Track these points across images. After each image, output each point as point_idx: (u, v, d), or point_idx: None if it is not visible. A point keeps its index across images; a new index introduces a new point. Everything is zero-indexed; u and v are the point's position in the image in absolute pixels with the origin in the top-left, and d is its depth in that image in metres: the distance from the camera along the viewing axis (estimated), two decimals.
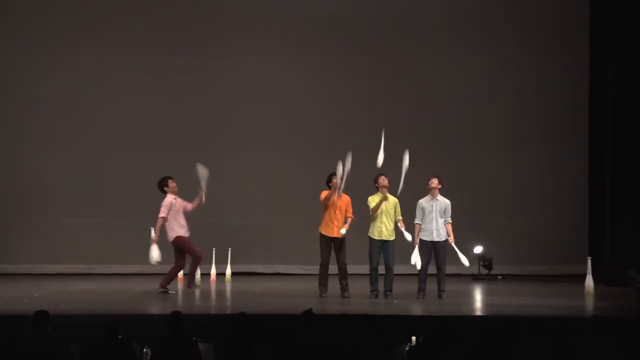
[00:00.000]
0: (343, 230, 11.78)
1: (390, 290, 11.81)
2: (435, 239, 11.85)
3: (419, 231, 11.89)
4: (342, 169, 11.59)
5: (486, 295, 12.98)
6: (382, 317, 10.02)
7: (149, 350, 8.08)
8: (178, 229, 12.27)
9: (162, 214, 12.21)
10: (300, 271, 14.73)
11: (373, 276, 11.83)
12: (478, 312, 11.55)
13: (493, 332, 7.62)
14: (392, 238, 11.83)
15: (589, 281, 12.66)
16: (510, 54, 15.25)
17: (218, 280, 13.81)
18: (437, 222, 11.88)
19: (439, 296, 11.86)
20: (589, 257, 12.87)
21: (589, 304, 11.91)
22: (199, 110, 15.19)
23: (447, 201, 12.00)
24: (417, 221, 11.93)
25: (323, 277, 11.92)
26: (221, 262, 14.01)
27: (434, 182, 11.99)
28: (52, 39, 15.16)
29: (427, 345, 7.85)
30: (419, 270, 11.76)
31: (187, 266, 12.54)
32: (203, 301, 11.97)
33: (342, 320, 9.64)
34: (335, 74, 15.30)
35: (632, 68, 13.97)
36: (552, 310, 10.79)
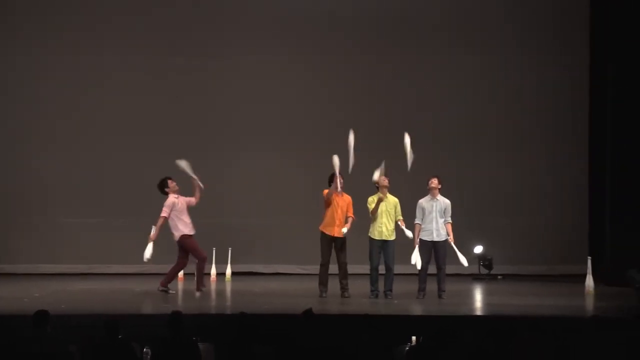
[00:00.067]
0: (344, 230, 11.77)
1: (391, 290, 11.81)
2: (436, 238, 11.85)
3: (419, 231, 11.90)
4: (338, 161, 11.65)
5: (486, 295, 12.97)
6: (382, 317, 10.02)
7: (149, 350, 8.09)
8: (182, 227, 12.26)
9: (163, 214, 12.21)
10: (300, 271, 14.73)
11: (373, 276, 11.83)
12: (478, 312, 11.54)
13: (493, 332, 7.62)
14: (393, 238, 11.83)
15: (589, 281, 12.67)
16: (510, 54, 15.25)
17: (218, 280, 13.83)
18: (437, 222, 11.88)
19: (439, 296, 11.86)
20: (589, 257, 12.88)
21: (589, 304, 11.91)
22: (199, 110, 15.19)
23: (447, 201, 11.99)
24: (417, 221, 11.93)
25: (323, 277, 11.91)
26: (221, 262, 14.03)
27: (434, 182, 11.99)
28: (52, 39, 15.16)
29: (427, 345, 7.86)
30: (419, 270, 11.76)
31: (190, 266, 12.54)
32: (203, 301, 11.96)
33: (342, 320, 9.64)
34: (335, 74, 15.30)
35: (632, 68, 13.97)
36: (552, 310, 10.78)
